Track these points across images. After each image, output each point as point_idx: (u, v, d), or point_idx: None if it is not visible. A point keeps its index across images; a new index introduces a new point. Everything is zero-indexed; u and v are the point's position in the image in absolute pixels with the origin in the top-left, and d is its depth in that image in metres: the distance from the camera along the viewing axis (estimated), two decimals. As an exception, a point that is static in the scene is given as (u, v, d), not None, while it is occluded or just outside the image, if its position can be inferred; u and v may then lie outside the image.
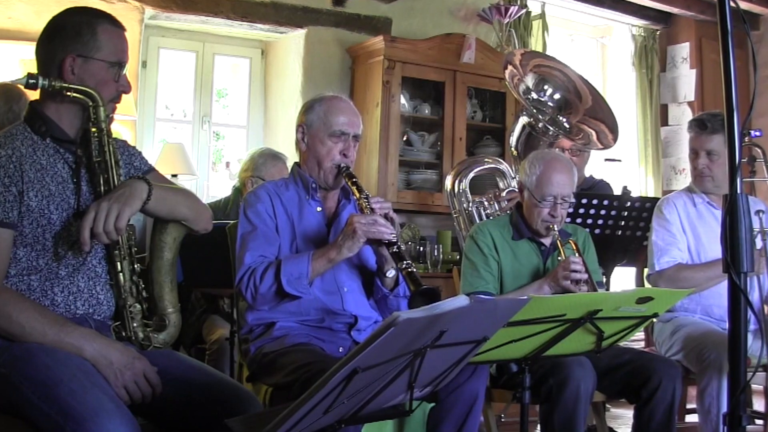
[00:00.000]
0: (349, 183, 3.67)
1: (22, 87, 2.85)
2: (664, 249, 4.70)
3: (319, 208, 3.77)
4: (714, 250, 4.67)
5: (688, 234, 4.75)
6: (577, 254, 4.18)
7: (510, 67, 5.72)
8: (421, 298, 3.23)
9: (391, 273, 3.61)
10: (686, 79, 9.34)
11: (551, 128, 5.53)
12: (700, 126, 4.73)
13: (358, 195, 3.59)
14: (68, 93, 2.83)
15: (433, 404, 3.45)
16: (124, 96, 3.04)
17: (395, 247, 3.42)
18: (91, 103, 2.86)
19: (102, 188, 2.89)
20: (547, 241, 4.33)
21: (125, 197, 2.81)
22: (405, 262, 3.36)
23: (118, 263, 2.95)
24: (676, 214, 4.77)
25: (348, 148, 3.73)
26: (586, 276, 4.08)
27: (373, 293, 3.75)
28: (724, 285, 4.47)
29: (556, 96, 5.76)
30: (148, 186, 2.89)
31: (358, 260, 3.72)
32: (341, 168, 3.70)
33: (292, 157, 6.32)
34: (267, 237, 3.63)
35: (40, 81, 2.78)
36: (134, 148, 3.22)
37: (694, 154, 4.77)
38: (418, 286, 3.24)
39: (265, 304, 3.56)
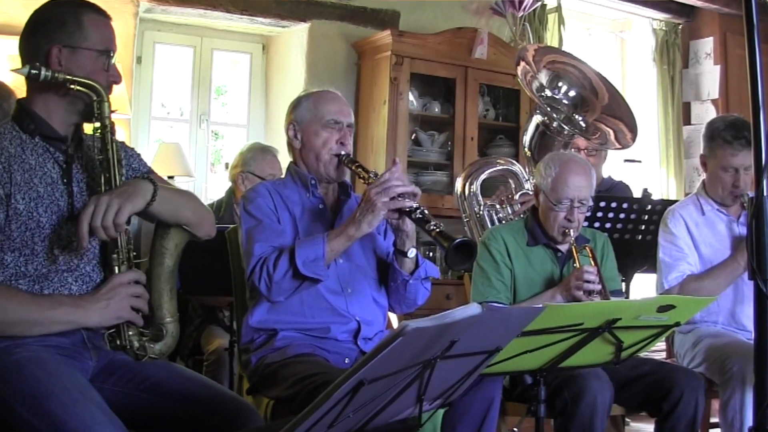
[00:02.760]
0: (354, 168, 3.69)
1: (23, 77, 2.84)
2: (671, 265, 4.68)
3: (321, 205, 3.78)
4: (725, 257, 4.66)
5: (700, 244, 4.73)
6: (592, 262, 4.18)
7: (522, 64, 5.71)
8: (457, 254, 3.26)
9: (412, 253, 3.62)
10: (710, 76, 9.34)
11: (566, 127, 5.52)
12: (746, 139, 4.50)
13: (366, 176, 3.60)
14: (71, 86, 2.83)
15: (445, 409, 3.44)
16: (117, 93, 3.05)
17: (418, 212, 3.41)
18: (95, 98, 2.86)
19: (103, 188, 2.89)
20: (563, 248, 4.33)
21: (127, 194, 2.82)
22: (432, 223, 3.35)
23: (116, 268, 2.94)
24: (682, 226, 4.75)
25: (344, 137, 3.75)
26: (599, 287, 4.08)
27: (385, 281, 3.77)
28: (744, 291, 4.53)
29: (572, 93, 5.75)
30: (153, 186, 2.90)
31: (363, 259, 3.75)
32: (341, 157, 3.72)
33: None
34: (274, 229, 3.61)
35: (43, 72, 2.76)
36: (132, 149, 3.23)
37: (734, 171, 4.63)
38: (451, 241, 3.24)
39: (281, 294, 3.51)
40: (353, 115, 3.89)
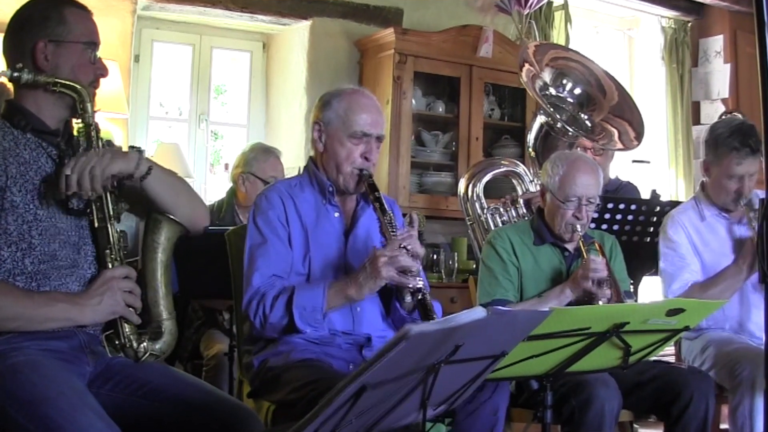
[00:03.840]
0: (372, 198, 3.61)
1: (5, 80, 2.87)
2: (674, 275, 4.65)
3: (336, 214, 3.72)
4: (728, 262, 4.64)
5: (702, 251, 4.70)
6: (600, 255, 4.19)
7: (527, 65, 5.70)
8: None
9: (409, 299, 3.56)
10: (720, 75, 9.32)
11: (570, 128, 5.50)
12: (751, 147, 4.50)
13: (382, 219, 3.54)
14: (54, 88, 2.88)
15: (449, 425, 3.44)
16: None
17: (420, 294, 3.39)
18: (78, 98, 2.90)
19: None
20: (571, 247, 4.34)
21: (121, 154, 2.89)
22: (430, 315, 3.33)
23: (109, 264, 2.95)
24: (682, 232, 4.71)
25: (370, 151, 3.66)
26: (605, 273, 4.09)
27: (389, 310, 3.71)
28: (750, 300, 4.52)
29: (577, 91, 5.73)
30: (149, 162, 2.94)
31: None
32: (364, 174, 3.64)
33: (293, 156, 6.34)
34: (278, 252, 3.57)
35: (25, 75, 2.83)
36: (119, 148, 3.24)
37: (739, 179, 4.59)
38: None
39: (275, 333, 3.52)
40: (385, 123, 3.80)
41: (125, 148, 3.51)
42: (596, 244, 4.26)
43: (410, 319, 3.64)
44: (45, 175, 2.89)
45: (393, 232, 3.48)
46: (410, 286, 3.39)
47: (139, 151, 2.99)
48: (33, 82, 2.83)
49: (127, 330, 2.96)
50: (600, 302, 4.05)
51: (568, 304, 4.11)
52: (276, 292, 3.46)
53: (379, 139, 3.72)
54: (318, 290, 3.44)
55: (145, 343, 2.98)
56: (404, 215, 4.12)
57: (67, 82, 2.88)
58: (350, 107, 3.69)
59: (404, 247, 3.40)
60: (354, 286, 3.42)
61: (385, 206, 3.59)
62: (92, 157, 2.79)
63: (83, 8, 3.04)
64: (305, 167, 3.84)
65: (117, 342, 2.95)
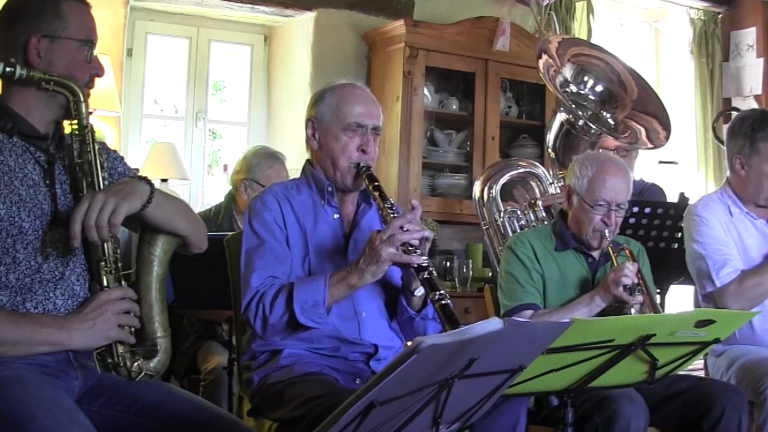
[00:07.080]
0: (371, 188, 3.61)
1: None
2: (720, 261, 4.54)
3: (336, 215, 3.73)
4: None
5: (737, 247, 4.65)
6: (631, 261, 4.18)
7: (545, 57, 5.69)
8: None
9: (419, 292, 3.54)
10: (752, 70, 9.30)
11: (593, 126, 5.49)
12: None
13: (382, 205, 3.55)
14: (47, 86, 2.85)
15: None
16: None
17: (426, 272, 3.35)
18: (72, 98, 2.88)
19: (86, 193, 2.90)
20: (595, 253, 4.33)
21: (124, 193, 2.83)
22: (438, 292, 3.26)
23: (104, 277, 2.94)
24: (717, 221, 4.64)
25: (367, 143, 3.67)
26: (637, 279, 4.08)
27: (396, 314, 3.71)
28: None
29: (598, 88, 5.72)
30: (150, 187, 2.92)
31: (376, 281, 3.68)
32: (361, 168, 3.64)
33: (296, 157, 6.34)
34: (276, 253, 3.58)
35: (18, 70, 2.80)
36: (115, 152, 3.23)
37: None
38: (453, 325, 3.14)
39: (277, 335, 3.51)
40: (382, 115, 3.81)
41: (118, 149, 3.48)
42: (627, 251, 4.25)
43: (419, 318, 3.65)
44: (32, 183, 2.87)
45: (394, 216, 3.48)
46: (414, 264, 3.37)
47: (148, 182, 2.95)
48: (27, 78, 2.81)
49: (120, 349, 2.95)
50: (632, 310, 4.06)
51: (599, 313, 4.11)
52: (275, 291, 3.46)
53: (376, 130, 3.73)
54: (318, 283, 3.43)
55: (138, 362, 2.98)
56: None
57: (63, 80, 2.86)
58: (342, 99, 3.71)
59: (404, 227, 3.38)
60: (355, 273, 3.41)
61: (385, 194, 3.59)
62: (97, 203, 2.75)
63: (81, 0, 3.01)
64: (302, 169, 3.84)
65: (109, 361, 2.95)
